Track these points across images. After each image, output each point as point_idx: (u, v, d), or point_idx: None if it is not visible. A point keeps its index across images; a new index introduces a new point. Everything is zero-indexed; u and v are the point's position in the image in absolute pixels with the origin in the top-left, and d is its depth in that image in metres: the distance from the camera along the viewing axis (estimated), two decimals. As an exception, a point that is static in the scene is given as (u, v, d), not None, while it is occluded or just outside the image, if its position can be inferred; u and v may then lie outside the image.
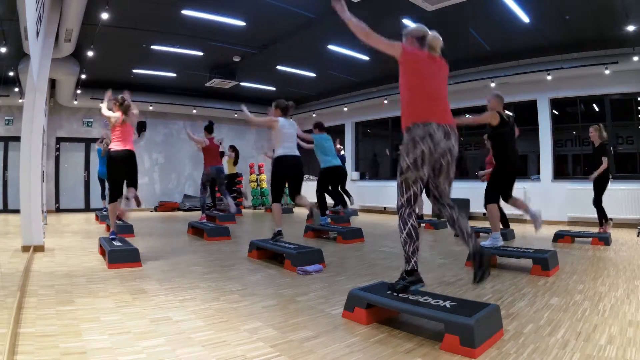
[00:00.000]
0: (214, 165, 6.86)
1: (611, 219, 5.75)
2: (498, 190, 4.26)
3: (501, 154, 4.22)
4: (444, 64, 2.54)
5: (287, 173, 4.61)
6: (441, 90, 2.48)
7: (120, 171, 4.45)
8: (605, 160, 5.39)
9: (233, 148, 10.00)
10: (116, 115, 4.45)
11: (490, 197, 4.24)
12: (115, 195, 4.53)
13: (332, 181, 6.61)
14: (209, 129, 7.03)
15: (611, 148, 7.62)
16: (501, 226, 6.14)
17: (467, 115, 9.64)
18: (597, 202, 5.62)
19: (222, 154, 8.93)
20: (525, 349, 1.96)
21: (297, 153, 4.69)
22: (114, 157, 4.41)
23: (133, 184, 4.56)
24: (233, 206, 7.01)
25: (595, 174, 5.42)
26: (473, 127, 8.42)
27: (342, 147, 9.20)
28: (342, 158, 9.07)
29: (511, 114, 4.15)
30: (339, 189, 7.19)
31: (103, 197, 8.42)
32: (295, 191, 4.72)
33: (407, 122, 2.38)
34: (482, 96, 8.76)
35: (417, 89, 2.42)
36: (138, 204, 4.69)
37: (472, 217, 8.73)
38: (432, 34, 2.52)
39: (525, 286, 3.22)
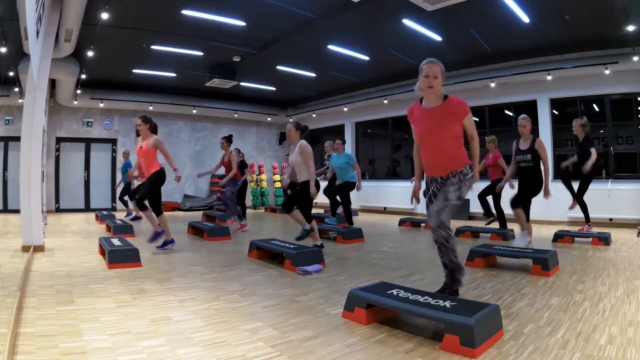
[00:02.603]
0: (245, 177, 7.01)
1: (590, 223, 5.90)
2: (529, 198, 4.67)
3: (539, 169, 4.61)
4: None
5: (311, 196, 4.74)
6: None
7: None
8: (594, 151, 5.43)
9: (238, 151, 10.06)
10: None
11: (519, 203, 4.58)
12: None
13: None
14: (230, 140, 7.00)
15: (611, 148, 7.63)
16: (499, 225, 6.17)
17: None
18: (580, 197, 5.70)
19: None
20: (525, 349, 1.97)
21: None
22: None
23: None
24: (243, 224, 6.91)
25: (590, 163, 5.39)
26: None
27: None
28: None
29: None
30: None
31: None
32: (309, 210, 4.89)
33: (467, 162, 2.75)
34: (482, 96, 8.82)
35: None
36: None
37: (471, 216, 8.74)
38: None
39: (525, 286, 3.22)
